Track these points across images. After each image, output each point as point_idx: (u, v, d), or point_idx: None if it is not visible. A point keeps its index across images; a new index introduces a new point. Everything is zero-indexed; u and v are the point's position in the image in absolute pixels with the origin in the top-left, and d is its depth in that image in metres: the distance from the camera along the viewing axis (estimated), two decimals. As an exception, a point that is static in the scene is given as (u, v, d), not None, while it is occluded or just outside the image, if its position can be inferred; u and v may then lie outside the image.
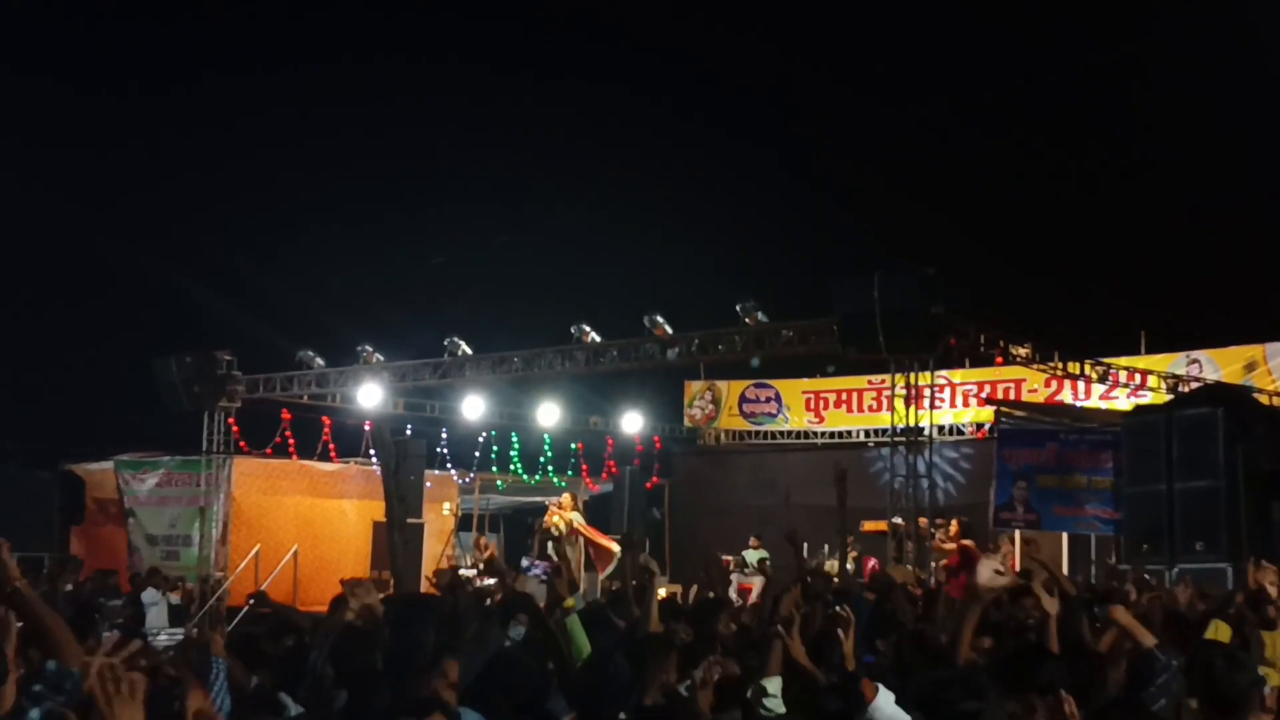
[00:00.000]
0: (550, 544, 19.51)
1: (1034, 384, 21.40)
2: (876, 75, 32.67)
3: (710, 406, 25.57)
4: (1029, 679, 3.93)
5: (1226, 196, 27.79)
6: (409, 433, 21.20)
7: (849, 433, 24.01)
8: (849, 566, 16.01)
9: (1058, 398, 21.00)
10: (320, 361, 20.25)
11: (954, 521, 16.32)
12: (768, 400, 25.10)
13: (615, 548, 18.59)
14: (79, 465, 22.89)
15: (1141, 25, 28.88)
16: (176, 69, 35.47)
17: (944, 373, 20.48)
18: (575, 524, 19.07)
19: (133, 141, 33.28)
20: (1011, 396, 21.37)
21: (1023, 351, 17.41)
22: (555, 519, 19.30)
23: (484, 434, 23.10)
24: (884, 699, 3.97)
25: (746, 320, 16.77)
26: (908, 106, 32.21)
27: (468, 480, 23.29)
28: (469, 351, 19.14)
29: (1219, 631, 6.37)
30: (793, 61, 34.36)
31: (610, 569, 18.24)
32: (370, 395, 19.86)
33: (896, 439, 16.82)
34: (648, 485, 23.73)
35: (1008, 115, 31.82)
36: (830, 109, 33.13)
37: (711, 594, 9.76)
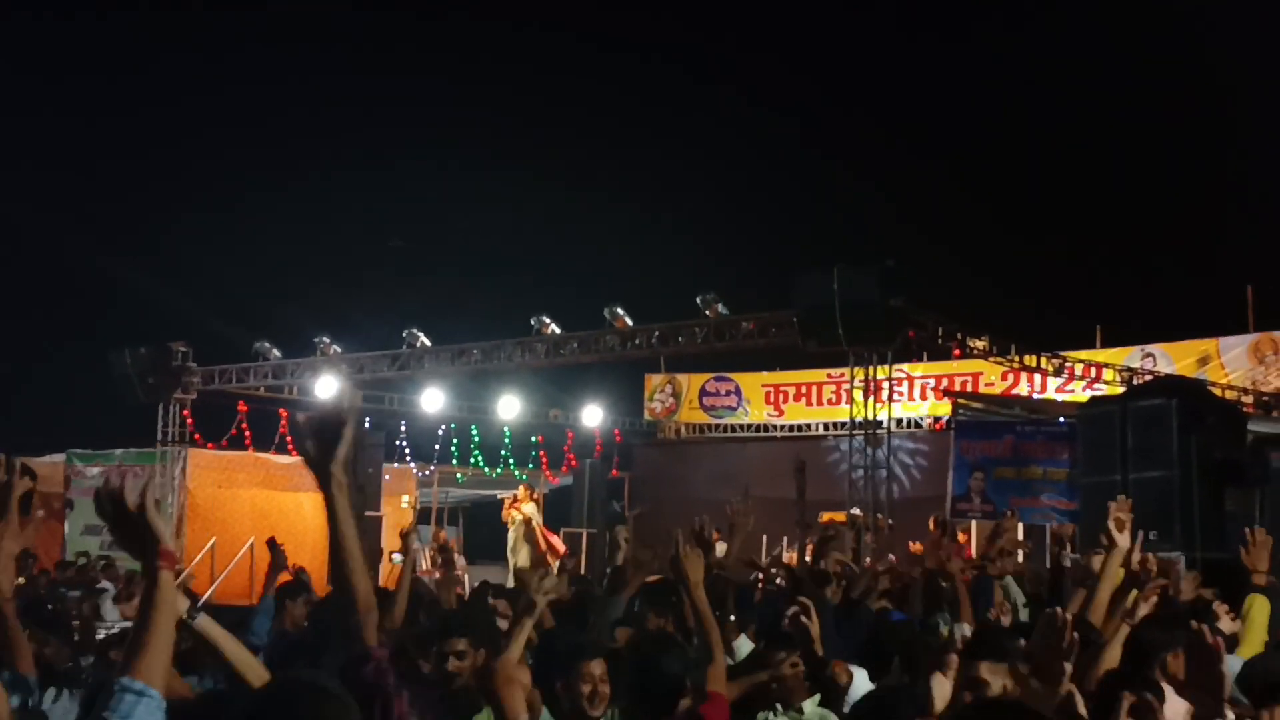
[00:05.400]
0: (509, 537, 19.52)
1: (991, 377, 21.57)
2: (834, 69, 32.80)
3: (671, 400, 25.58)
4: None
5: (1182, 194, 28.13)
6: (367, 425, 21.07)
7: (808, 426, 24.07)
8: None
9: (1014, 391, 21.16)
10: (277, 353, 20.07)
11: (932, 520, 16.42)
12: (728, 394, 25.14)
13: (562, 547, 18.78)
14: (30, 458, 22.58)
15: (1094, 19, 29.16)
16: (125, 57, 35.02)
17: (902, 366, 20.58)
18: (533, 519, 19.07)
19: (84, 134, 32.85)
20: (969, 389, 21.52)
21: (980, 344, 17.53)
22: (513, 512, 19.29)
23: (443, 426, 22.98)
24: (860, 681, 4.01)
25: (707, 312, 16.78)
26: (866, 100, 32.37)
27: (427, 473, 23.18)
28: (427, 343, 19.03)
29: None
30: (752, 56, 34.46)
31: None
32: (327, 387, 19.68)
33: (855, 431, 16.88)
34: (608, 478, 23.72)
35: (965, 109, 32.07)
36: (790, 102, 33.23)
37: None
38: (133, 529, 2.57)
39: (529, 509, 19.12)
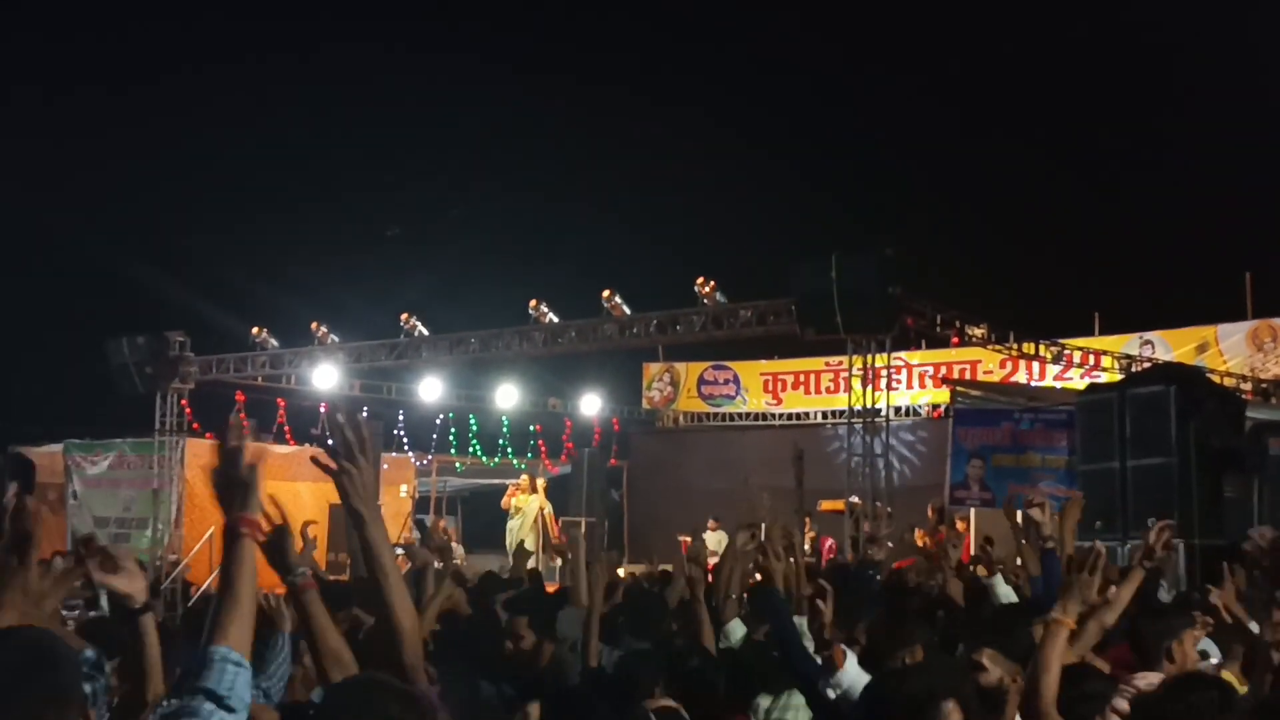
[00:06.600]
0: (509, 523, 19.55)
1: (989, 365, 21.56)
2: (833, 55, 32.70)
3: (669, 388, 25.57)
4: None
5: (1180, 180, 28.09)
6: (365, 415, 21.04)
7: (806, 414, 24.08)
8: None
9: (1013, 379, 21.15)
10: (274, 342, 20.04)
11: (930, 507, 16.48)
12: (726, 382, 25.13)
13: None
14: (28, 448, 22.58)
15: (1091, 8, 29.11)
16: (124, 51, 34.88)
17: (900, 354, 20.56)
18: (546, 512, 19.23)
19: (79, 122, 32.74)
20: (967, 377, 21.51)
21: (978, 332, 17.50)
22: (515, 499, 19.33)
23: (441, 416, 22.98)
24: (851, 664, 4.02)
25: (705, 301, 16.75)
26: (866, 87, 32.31)
27: (425, 462, 23.18)
28: (425, 332, 19.01)
29: None
30: (749, 40, 34.39)
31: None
32: (326, 376, 19.67)
33: (853, 419, 16.86)
34: (607, 467, 23.73)
35: (963, 96, 32.01)
36: (788, 88, 33.17)
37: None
38: (233, 485, 2.59)
39: (539, 499, 19.20)
